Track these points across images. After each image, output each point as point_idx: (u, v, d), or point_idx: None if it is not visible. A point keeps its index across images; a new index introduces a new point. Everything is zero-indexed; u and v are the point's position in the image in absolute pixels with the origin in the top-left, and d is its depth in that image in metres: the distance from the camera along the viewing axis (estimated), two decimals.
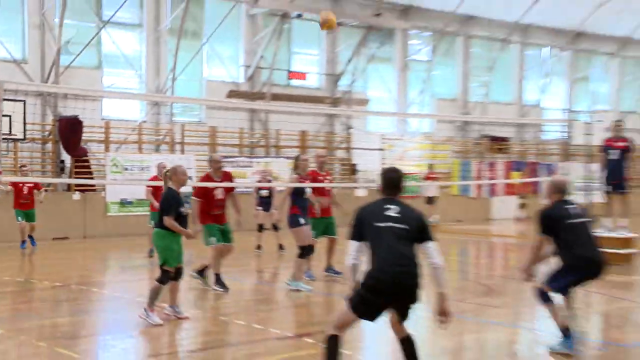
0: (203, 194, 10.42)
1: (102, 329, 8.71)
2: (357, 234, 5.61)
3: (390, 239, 5.49)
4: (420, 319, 9.18)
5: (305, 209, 10.82)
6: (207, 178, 10.63)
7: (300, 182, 10.82)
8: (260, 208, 15.67)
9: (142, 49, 22.56)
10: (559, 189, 7.42)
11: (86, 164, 19.90)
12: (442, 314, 5.66)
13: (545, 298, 7.27)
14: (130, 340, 8.03)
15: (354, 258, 5.58)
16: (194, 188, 10.87)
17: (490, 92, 30.09)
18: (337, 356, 5.56)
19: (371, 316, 5.63)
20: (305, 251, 10.64)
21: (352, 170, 25.18)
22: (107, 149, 20.66)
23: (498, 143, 29.23)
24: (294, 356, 7.19)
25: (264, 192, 15.51)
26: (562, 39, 30.97)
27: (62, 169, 19.92)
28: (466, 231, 21.36)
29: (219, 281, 10.42)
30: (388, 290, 5.45)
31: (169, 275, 8.52)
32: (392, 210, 5.60)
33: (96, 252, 16.56)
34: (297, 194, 10.76)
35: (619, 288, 11.31)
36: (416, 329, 8.47)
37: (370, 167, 25.08)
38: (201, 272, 10.72)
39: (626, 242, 13.86)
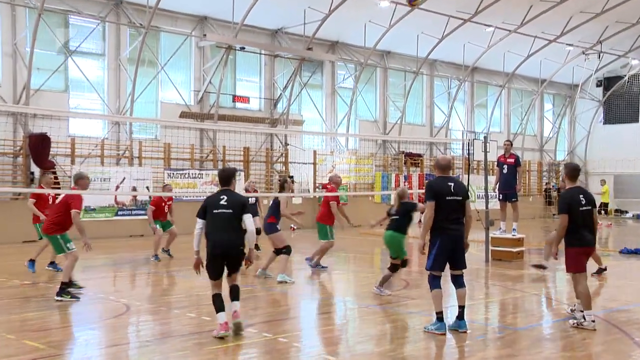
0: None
1: (66, 322, 8.37)
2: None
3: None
4: (349, 310, 9.21)
5: (279, 219, 11.48)
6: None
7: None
8: None
9: (104, 75, 21.96)
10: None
11: (54, 175, 19.17)
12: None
13: (433, 283, 7.37)
14: (92, 332, 7.74)
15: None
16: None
17: (406, 115, 30.59)
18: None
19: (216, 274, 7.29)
20: (287, 250, 11.19)
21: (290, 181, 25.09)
22: (72, 162, 19.98)
23: (413, 158, 29.70)
24: (240, 344, 7.05)
25: (251, 200, 15.14)
26: (462, 72, 31.80)
27: (32, 180, 19.14)
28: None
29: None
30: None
31: (397, 266, 9.88)
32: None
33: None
34: (276, 208, 11.50)
35: (511, 280, 11.60)
36: (346, 319, 8.51)
37: (305, 178, 25.07)
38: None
39: (517, 242, 14.25)
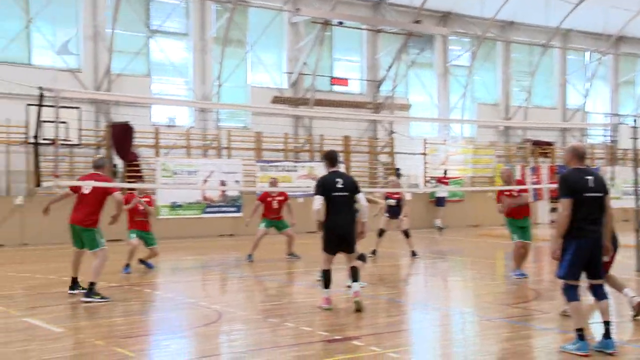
0: None
1: (155, 329, 8.78)
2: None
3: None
4: (469, 323, 9.08)
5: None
6: None
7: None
8: (387, 214, 15.47)
9: (189, 57, 22.80)
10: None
11: (137, 168, 20.17)
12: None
13: (568, 295, 7.08)
14: (182, 340, 8.08)
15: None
16: None
17: (532, 97, 29.67)
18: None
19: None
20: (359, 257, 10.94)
21: (396, 174, 25.05)
22: (157, 154, 20.90)
23: (541, 147, 28.80)
24: (346, 359, 7.13)
25: (392, 202, 15.32)
26: (603, 43, 30.37)
27: (115, 173, 20.21)
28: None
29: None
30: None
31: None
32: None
33: (147, 253, 16.72)
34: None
35: None
36: (464, 333, 8.41)
37: (413, 171, 24.94)
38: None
39: None
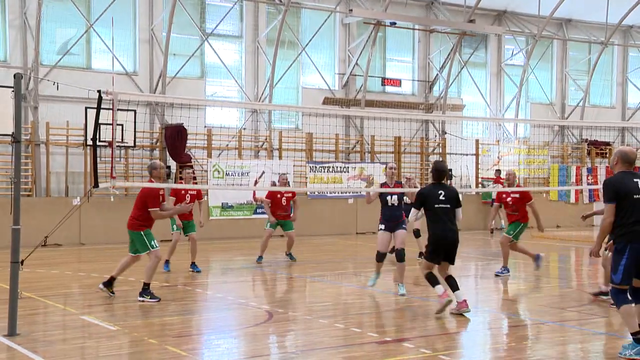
0: None
1: (206, 329, 8.92)
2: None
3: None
4: (522, 327, 8.95)
5: (390, 217, 10.79)
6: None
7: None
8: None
9: (241, 59, 23.06)
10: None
11: (190, 169, 20.48)
12: None
13: (619, 299, 6.92)
14: (233, 340, 8.19)
15: None
16: None
17: (590, 96, 29.01)
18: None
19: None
20: (377, 256, 10.83)
21: (448, 175, 24.85)
22: (209, 155, 21.20)
23: (599, 148, 28.13)
24: None
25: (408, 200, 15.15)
26: None
27: (168, 175, 20.56)
28: (566, 237, 20.64)
29: None
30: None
31: None
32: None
33: (199, 254, 16.98)
34: (381, 202, 10.87)
35: None
36: (517, 337, 8.29)
37: (466, 172, 24.66)
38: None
39: None
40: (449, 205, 9.16)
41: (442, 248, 9.15)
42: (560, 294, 11.40)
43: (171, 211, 10.76)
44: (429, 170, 24.79)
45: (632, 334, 6.89)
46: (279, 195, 14.60)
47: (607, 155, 28.12)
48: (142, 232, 10.14)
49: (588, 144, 28.19)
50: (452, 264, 9.29)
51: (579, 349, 7.73)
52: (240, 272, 13.95)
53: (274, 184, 21.00)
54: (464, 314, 9.06)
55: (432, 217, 9.18)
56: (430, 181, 9.81)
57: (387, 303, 10.31)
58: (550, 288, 11.95)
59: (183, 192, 13.24)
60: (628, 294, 6.96)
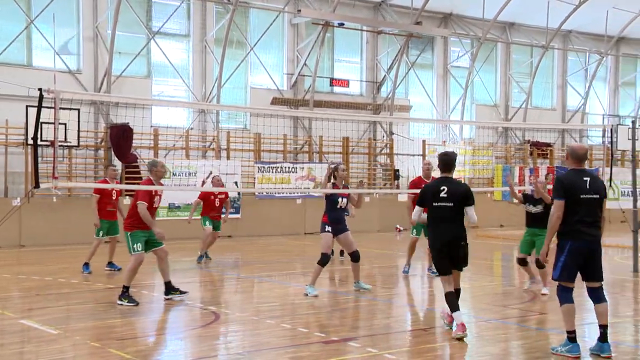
0: None
1: (151, 331, 8.78)
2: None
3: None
4: (467, 326, 9.07)
5: (338, 219, 10.71)
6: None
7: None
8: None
9: (189, 58, 22.82)
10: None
11: (136, 169, 20.16)
12: None
13: (562, 296, 7.09)
14: (179, 342, 8.08)
15: None
16: None
17: (532, 98, 29.68)
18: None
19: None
20: (322, 259, 10.56)
21: (395, 175, 25.07)
22: (156, 155, 20.91)
23: (540, 148, 28.79)
24: None
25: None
26: (604, 44, 30.35)
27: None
28: (508, 236, 21.04)
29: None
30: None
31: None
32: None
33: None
34: (330, 203, 10.75)
35: None
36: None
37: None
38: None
39: None
40: (451, 204, 7.86)
41: (442, 253, 7.93)
42: (502, 292, 11.60)
43: (153, 222, 10.04)
44: (376, 170, 25.12)
45: (567, 332, 7.05)
46: (212, 197, 14.57)
47: (548, 155, 28.81)
48: (128, 233, 9.89)
49: (530, 145, 28.82)
50: (460, 269, 8.11)
51: (519, 345, 7.87)
52: (186, 273, 13.77)
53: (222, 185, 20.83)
54: (458, 338, 7.72)
55: (430, 217, 8.05)
56: (387, 182, 9.70)
57: (334, 303, 10.33)
58: (493, 286, 12.16)
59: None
60: (572, 293, 7.11)
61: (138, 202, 9.82)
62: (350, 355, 7.25)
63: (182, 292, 10.28)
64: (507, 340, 8.10)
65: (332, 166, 11.19)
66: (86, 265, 12.91)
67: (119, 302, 9.84)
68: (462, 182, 8.81)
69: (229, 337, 8.35)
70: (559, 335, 7.80)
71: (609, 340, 7.06)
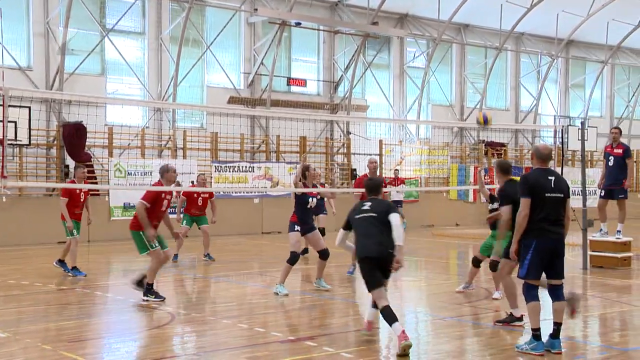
0: None
1: (106, 332, 8.62)
2: None
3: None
4: (422, 323, 9.13)
5: (306, 219, 10.82)
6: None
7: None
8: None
9: (144, 56, 22.51)
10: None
11: (90, 169, 19.79)
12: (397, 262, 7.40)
13: (528, 294, 7.18)
14: (134, 343, 7.95)
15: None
16: None
17: (486, 98, 30.10)
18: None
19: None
20: (291, 257, 10.60)
21: (352, 175, 25.13)
22: (110, 154, 20.57)
23: (495, 148, 29.22)
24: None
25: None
26: (554, 47, 30.96)
27: (67, 174, 19.82)
28: (464, 235, 21.29)
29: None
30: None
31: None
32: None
33: (100, 255, 16.47)
34: (299, 203, 10.82)
35: (616, 291, 11.24)
36: (418, 332, 8.45)
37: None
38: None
39: (622, 246, 13.80)
40: (375, 214, 7.55)
41: (365, 263, 7.54)
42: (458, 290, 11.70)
43: (148, 224, 9.90)
44: (333, 169, 25.14)
45: (532, 330, 7.14)
46: (195, 195, 14.57)
47: (502, 155, 29.24)
48: (140, 232, 9.84)
49: (485, 145, 29.22)
50: (387, 277, 7.68)
51: (475, 342, 7.95)
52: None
53: (178, 184, 20.59)
54: (405, 347, 7.14)
55: (355, 231, 7.74)
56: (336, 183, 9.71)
57: (292, 302, 10.29)
58: (448, 285, 12.27)
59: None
60: (538, 291, 7.20)
61: (140, 200, 9.87)
62: (307, 354, 7.23)
63: (159, 297, 9.97)
64: (462, 338, 8.17)
65: (304, 165, 11.17)
66: (75, 268, 12.49)
67: (145, 298, 9.82)
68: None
69: (185, 337, 8.25)
70: (518, 333, 7.91)
71: (559, 337, 7.18)
